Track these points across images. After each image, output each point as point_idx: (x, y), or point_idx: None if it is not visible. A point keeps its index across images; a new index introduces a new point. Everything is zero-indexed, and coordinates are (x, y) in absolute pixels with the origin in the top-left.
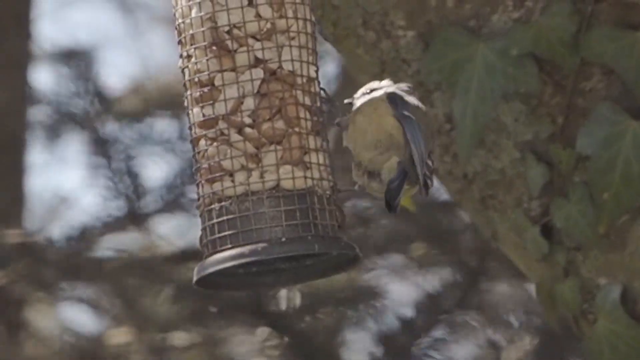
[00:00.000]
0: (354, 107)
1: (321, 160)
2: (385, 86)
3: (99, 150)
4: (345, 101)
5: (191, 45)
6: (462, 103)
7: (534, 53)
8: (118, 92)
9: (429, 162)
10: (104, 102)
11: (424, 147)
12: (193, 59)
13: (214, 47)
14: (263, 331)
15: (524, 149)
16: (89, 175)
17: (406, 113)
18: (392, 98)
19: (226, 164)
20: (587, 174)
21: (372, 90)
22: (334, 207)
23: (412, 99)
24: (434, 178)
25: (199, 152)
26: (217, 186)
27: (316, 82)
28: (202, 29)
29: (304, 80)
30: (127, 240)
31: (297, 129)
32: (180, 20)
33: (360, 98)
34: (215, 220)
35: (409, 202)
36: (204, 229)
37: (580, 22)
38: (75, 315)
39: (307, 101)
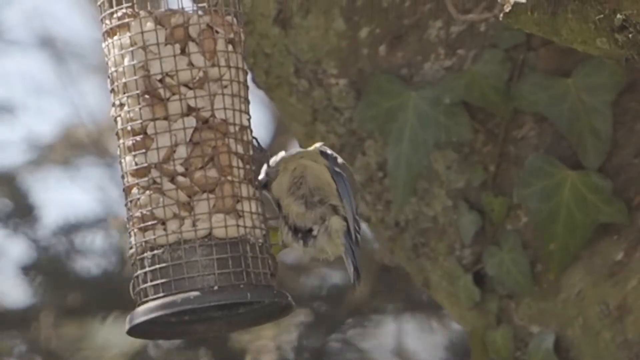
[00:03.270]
0: (280, 159)
1: (254, 209)
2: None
3: None
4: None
5: (124, 93)
6: (396, 152)
7: (466, 101)
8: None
9: (357, 218)
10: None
11: (353, 203)
12: (126, 108)
13: (147, 96)
14: None
15: (456, 197)
16: None
17: (337, 169)
18: (323, 153)
19: (158, 212)
20: (531, 226)
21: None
22: (266, 255)
23: (337, 156)
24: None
25: (131, 201)
26: (149, 234)
27: (249, 130)
28: (135, 78)
29: (237, 128)
30: None
31: (229, 178)
32: (112, 69)
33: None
34: (147, 269)
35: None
36: (136, 277)
37: (512, 69)
38: None
39: (240, 149)
